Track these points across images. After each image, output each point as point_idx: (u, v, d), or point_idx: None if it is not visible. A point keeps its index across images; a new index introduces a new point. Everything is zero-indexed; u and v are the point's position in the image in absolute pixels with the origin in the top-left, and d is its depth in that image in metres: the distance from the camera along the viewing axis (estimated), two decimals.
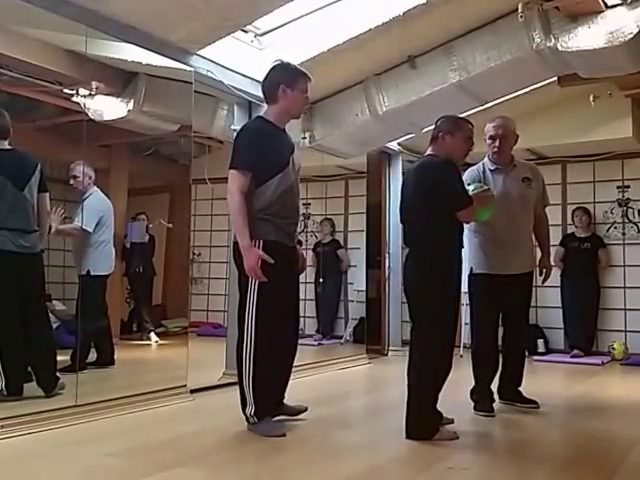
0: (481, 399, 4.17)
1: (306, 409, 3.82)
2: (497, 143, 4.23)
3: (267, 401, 3.53)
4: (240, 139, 3.51)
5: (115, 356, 5.09)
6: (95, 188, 5.02)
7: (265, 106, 3.73)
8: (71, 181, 4.92)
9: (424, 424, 3.44)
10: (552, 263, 4.66)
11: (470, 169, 4.36)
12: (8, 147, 3.92)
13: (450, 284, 3.51)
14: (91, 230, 4.92)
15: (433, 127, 3.73)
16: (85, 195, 4.93)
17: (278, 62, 3.63)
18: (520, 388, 4.37)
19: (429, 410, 3.47)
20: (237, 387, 3.51)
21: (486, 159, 4.35)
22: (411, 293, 3.59)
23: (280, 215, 3.50)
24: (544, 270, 4.45)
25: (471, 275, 4.28)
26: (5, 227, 3.79)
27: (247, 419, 3.51)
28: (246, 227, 3.38)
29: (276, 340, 3.51)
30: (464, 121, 3.72)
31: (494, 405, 4.18)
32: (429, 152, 3.69)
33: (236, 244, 3.46)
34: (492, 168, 4.28)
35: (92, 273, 4.89)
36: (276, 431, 3.46)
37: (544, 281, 4.50)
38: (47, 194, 4.08)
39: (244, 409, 3.52)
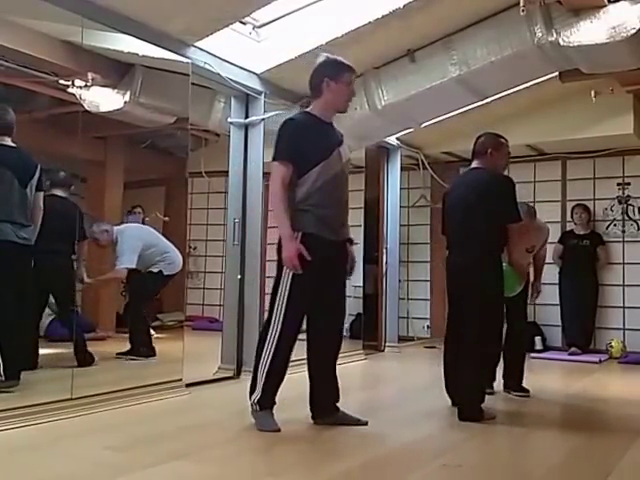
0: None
1: (366, 423, 3.62)
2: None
3: (273, 394, 3.53)
4: (281, 131, 3.52)
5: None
6: (118, 227, 5.66)
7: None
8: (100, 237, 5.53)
9: (479, 408, 3.82)
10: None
11: None
12: (12, 145, 4.02)
13: (501, 281, 3.97)
14: (134, 265, 5.46)
15: (476, 143, 4.17)
16: (114, 240, 5.53)
17: (324, 57, 3.63)
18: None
19: (481, 396, 3.89)
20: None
21: None
22: (467, 289, 3.92)
23: (321, 206, 3.46)
24: (535, 294, 5.02)
25: None
26: (10, 220, 3.95)
27: (251, 405, 3.53)
28: (287, 217, 3.39)
29: (313, 338, 3.58)
30: (504, 138, 4.21)
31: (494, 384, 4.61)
32: (477, 165, 4.13)
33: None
34: None
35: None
36: (271, 426, 3.46)
37: (533, 300, 5.09)
38: (42, 193, 4.23)
39: (251, 395, 3.53)
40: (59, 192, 4.87)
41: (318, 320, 3.57)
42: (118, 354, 5.36)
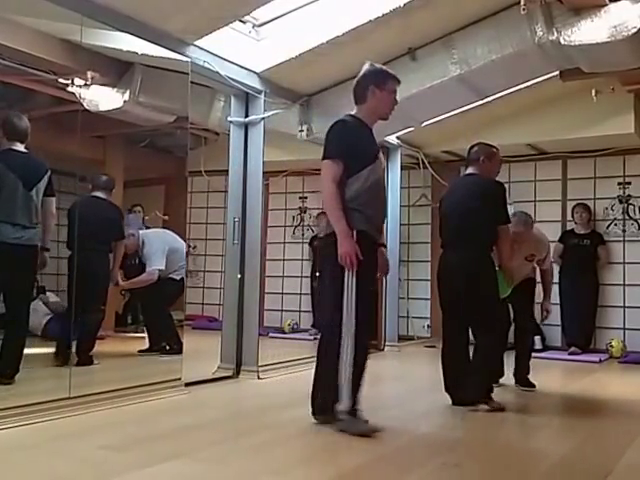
0: None
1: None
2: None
3: (356, 398, 3.45)
4: (332, 131, 3.57)
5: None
6: (142, 232, 5.88)
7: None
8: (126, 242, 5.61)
9: (486, 390, 4.09)
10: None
11: None
12: (24, 150, 4.16)
13: (496, 276, 4.22)
14: (164, 267, 5.65)
15: (471, 151, 4.43)
16: (140, 245, 5.72)
17: (369, 65, 3.70)
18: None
19: (490, 382, 4.19)
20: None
21: None
22: (468, 284, 4.09)
23: (369, 206, 3.53)
24: (545, 312, 5.15)
25: None
26: (10, 221, 4.06)
27: (338, 416, 3.42)
28: (342, 214, 3.42)
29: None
30: (496, 147, 4.47)
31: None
32: (471, 172, 4.38)
33: (328, 236, 3.48)
34: None
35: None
36: (368, 429, 3.40)
37: (543, 320, 5.29)
38: (53, 198, 4.33)
39: (333, 404, 3.43)
40: (100, 194, 5.15)
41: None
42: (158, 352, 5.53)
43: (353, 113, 3.68)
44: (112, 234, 5.27)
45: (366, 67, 3.69)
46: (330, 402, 3.58)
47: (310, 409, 3.59)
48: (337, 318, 3.42)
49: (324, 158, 3.53)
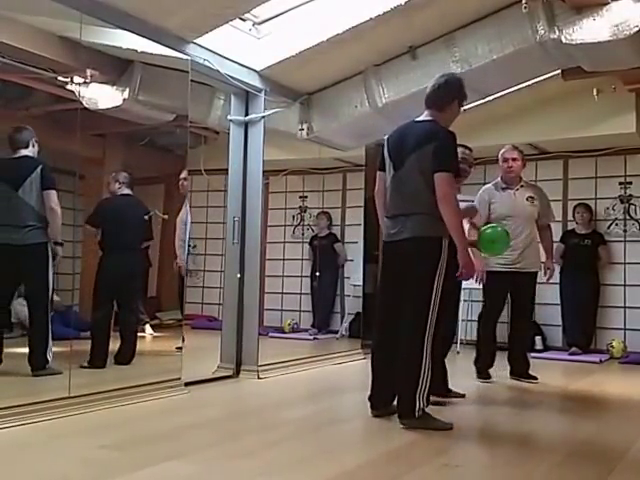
0: (481, 368, 5.13)
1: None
2: (510, 163, 5.14)
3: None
4: (451, 143, 3.58)
5: None
6: None
7: None
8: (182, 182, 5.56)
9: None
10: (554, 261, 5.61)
11: (485, 187, 5.21)
12: (16, 156, 4.30)
13: None
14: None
15: None
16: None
17: (455, 76, 3.87)
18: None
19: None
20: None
21: (499, 178, 5.23)
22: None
23: None
24: (548, 270, 5.32)
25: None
26: None
27: (418, 416, 3.46)
28: None
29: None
30: (465, 147, 4.42)
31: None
32: None
33: (432, 239, 3.51)
34: (503, 186, 5.19)
35: None
36: (446, 424, 3.49)
37: (548, 279, 5.36)
38: (51, 191, 4.31)
39: (413, 411, 3.45)
40: (129, 191, 5.22)
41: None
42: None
43: (435, 119, 3.67)
44: (145, 233, 5.39)
45: (450, 77, 3.78)
46: (391, 396, 3.62)
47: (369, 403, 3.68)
48: (422, 330, 3.47)
49: (445, 170, 3.48)
